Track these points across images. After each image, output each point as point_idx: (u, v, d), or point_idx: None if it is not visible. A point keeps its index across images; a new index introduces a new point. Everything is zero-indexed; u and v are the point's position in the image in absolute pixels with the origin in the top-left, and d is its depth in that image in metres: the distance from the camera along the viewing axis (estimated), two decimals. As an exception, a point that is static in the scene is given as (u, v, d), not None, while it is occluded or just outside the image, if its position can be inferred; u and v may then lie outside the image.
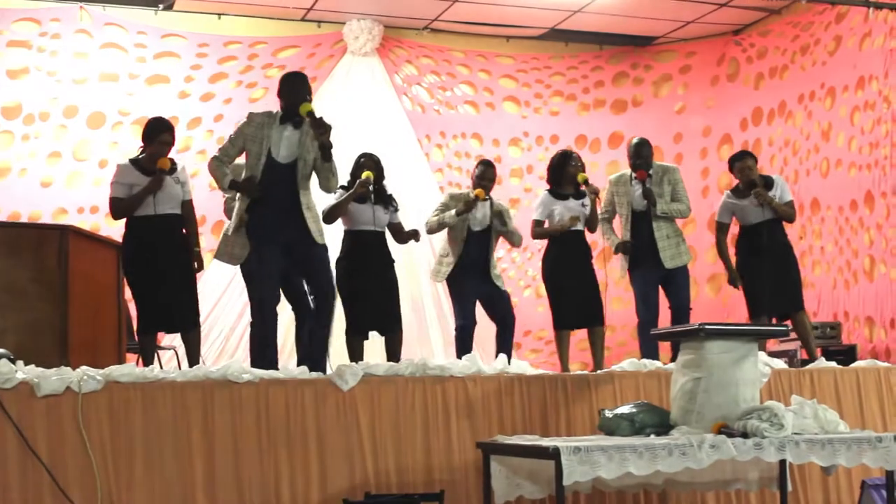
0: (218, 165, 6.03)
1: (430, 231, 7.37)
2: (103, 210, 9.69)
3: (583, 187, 7.25)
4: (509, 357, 6.52)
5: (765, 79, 10.69)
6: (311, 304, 6.28)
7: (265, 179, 5.91)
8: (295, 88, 6.04)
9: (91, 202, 9.71)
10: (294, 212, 5.95)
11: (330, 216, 6.67)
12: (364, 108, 10.30)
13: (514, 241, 7.42)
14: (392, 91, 10.70)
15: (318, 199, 6.25)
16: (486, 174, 7.33)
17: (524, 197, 10.80)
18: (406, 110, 10.72)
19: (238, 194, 6.05)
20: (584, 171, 7.36)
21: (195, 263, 6.50)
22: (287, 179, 5.95)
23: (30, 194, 9.58)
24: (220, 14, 10.27)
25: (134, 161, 6.42)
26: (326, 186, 6.13)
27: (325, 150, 5.91)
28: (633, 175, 7.44)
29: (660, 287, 7.43)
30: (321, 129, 5.84)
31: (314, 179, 6.12)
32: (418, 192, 10.00)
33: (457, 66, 11.02)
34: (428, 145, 10.74)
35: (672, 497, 5.75)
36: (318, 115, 5.91)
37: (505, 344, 7.18)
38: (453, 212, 7.18)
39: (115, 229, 9.48)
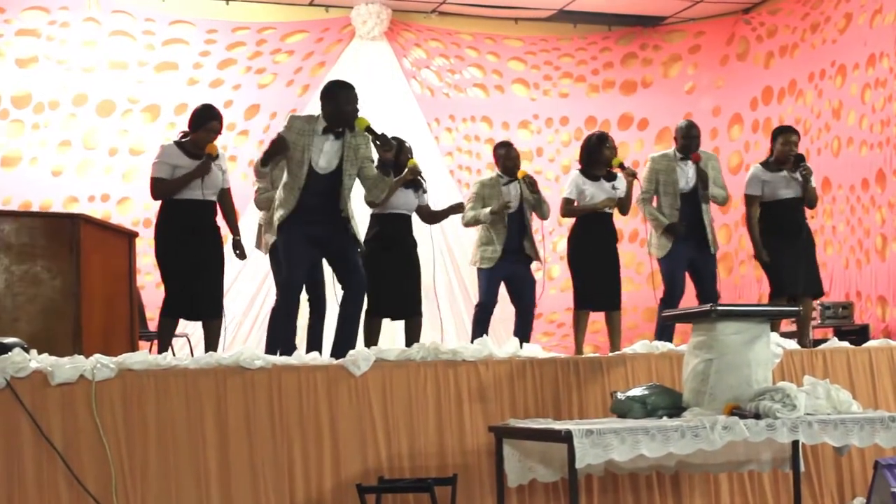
0: (271, 167, 6.05)
1: (467, 225, 7.39)
2: (114, 198, 9.73)
3: (616, 170, 7.22)
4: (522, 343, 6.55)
5: (775, 57, 10.64)
6: (339, 294, 6.24)
7: (305, 188, 5.86)
8: (343, 100, 5.91)
9: (102, 190, 9.73)
10: (333, 220, 5.93)
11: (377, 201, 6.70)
12: (373, 92, 10.24)
13: (543, 211, 7.33)
14: (401, 75, 10.69)
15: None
16: (510, 154, 7.35)
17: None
18: (415, 94, 10.71)
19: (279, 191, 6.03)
20: (616, 154, 7.36)
21: (237, 252, 6.54)
22: (326, 190, 5.90)
23: (41, 183, 9.60)
24: (227, 0, 10.26)
25: (178, 143, 6.39)
26: (377, 196, 6.19)
27: (386, 165, 5.94)
28: (679, 155, 7.38)
29: (686, 272, 7.39)
30: (385, 147, 5.87)
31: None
32: (428, 176, 9.94)
33: (465, 48, 10.99)
34: (437, 129, 10.73)
35: (685, 479, 5.76)
36: (378, 130, 5.88)
37: (522, 331, 7.17)
38: (488, 211, 7.16)
39: (126, 217, 9.55)
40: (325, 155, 5.90)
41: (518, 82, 11.16)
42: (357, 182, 6.07)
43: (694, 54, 11.30)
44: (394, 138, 6.96)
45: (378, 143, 5.87)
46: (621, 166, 7.24)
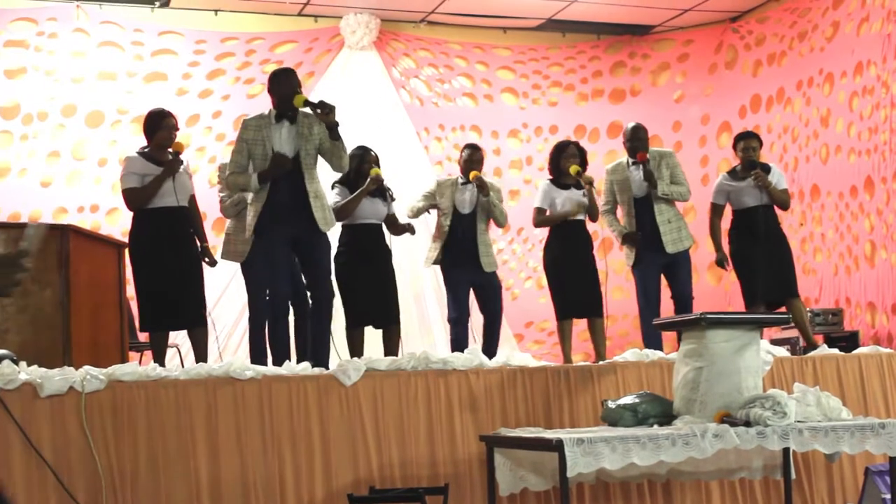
0: (235, 177, 6.12)
1: (409, 216, 7.38)
2: (103, 209, 9.70)
3: (578, 178, 7.23)
4: (493, 352, 6.56)
5: (763, 66, 10.67)
6: (309, 298, 6.34)
7: (273, 179, 6.02)
8: (283, 83, 6.12)
9: (91, 201, 9.71)
10: (301, 203, 6.01)
11: (342, 213, 6.71)
12: (362, 101, 10.27)
13: (498, 216, 7.31)
14: (390, 84, 10.69)
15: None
16: (473, 157, 7.36)
17: (524, 188, 10.79)
18: (404, 103, 10.71)
19: (248, 195, 6.13)
20: (586, 160, 7.37)
21: (206, 259, 6.55)
22: (292, 173, 6.02)
23: (30, 194, 9.57)
24: (216, 10, 10.25)
25: (141, 153, 6.44)
26: (339, 165, 6.23)
27: (333, 129, 5.98)
28: (631, 161, 7.42)
29: (661, 275, 7.42)
30: (325, 110, 5.92)
31: (322, 167, 6.19)
32: (417, 186, 9.96)
33: (454, 58, 11.00)
34: (427, 138, 10.73)
35: (676, 487, 5.77)
36: (314, 99, 6.01)
37: (490, 338, 7.16)
38: (422, 204, 7.30)
39: (115, 228, 9.51)
40: (284, 142, 6.06)
41: (507, 91, 11.17)
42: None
43: (682, 63, 11.33)
44: (359, 147, 6.97)
45: (318, 111, 5.95)
46: (579, 174, 7.23)
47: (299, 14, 10.48)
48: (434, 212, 7.42)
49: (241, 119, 9.99)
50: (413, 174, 10.14)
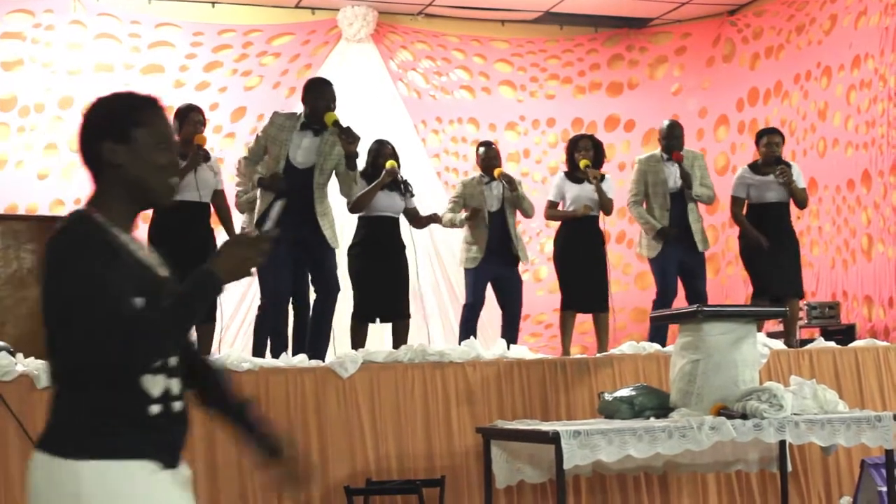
0: (248, 164, 6.26)
1: (445, 227, 7.40)
2: (100, 201, 9.69)
3: (588, 172, 7.22)
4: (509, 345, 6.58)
5: (760, 59, 10.67)
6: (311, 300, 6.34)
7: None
8: (318, 95, 6.11)
9: (88, 193, 9.68)
10: (308, 216, 6.03)
11: (358, 206, 6.69)
12: (360, 94, 10.25)
13: (527, 208, 7.32)
14: (387, 77, 10.67)
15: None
16: (489, 153, 7.36)
17: (521, 181, 10.76)
18: (402, 96, 10.69)
19: (258, 191, 6.17)
20: (603, 153, 7.39)
21: None
22: (303, 184, 6.04)
23: (27, 186, 9.55)
24: (213, 2, 10.24)
25: None
26: (348, 193, 6.31)
27: (351, 159, 5.99)
28: (665, 156, 7.40)
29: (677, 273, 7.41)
30: (350, 139, 5.92)
31: (333, 185, 6.22)
32: (415, 178, 9.94)
33: (452, 51, 10.99)
34: (424, 131, 10.71)
35: (672, 479, 5.78)
36: (344, 124, 5.99)
37: (510, 333, 7.17)
38: (463, 216, 7.18)
39: (112, 220, 9.50)
40: (302, 150, 6.07)
41: (505, 84, 11.16)
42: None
43: (680, 56, 11.31)
44: (376, 141, 6.98)
45: (343, 136, 5.95)
46: (586, 169, 7.23)
47: (296, 6, 10.47)
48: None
49: (238, 111, 10.18)
50: (410, 167, 10.11)
